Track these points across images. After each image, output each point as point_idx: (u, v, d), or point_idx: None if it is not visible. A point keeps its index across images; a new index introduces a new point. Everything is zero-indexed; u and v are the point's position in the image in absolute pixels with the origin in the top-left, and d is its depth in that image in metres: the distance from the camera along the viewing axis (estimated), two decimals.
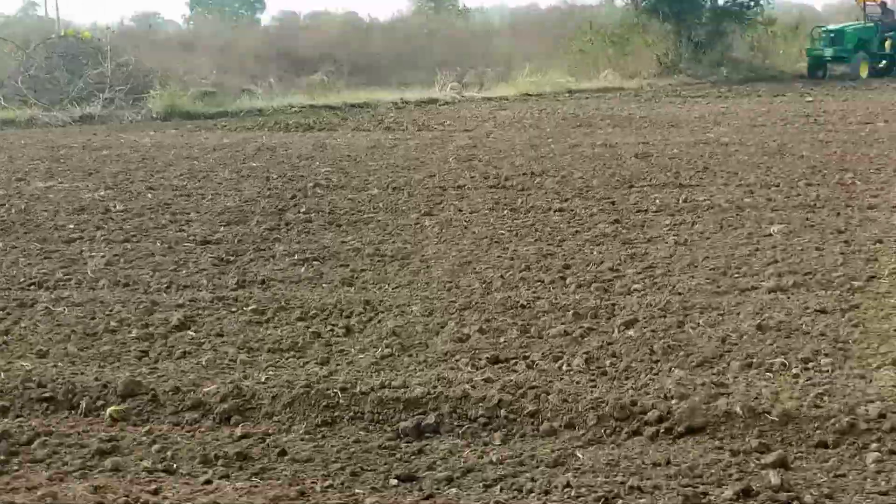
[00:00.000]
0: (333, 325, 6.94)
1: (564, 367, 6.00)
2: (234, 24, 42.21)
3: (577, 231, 9.90)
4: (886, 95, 24.22)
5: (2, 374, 5.84)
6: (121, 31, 31.08)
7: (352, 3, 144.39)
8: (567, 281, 7.99)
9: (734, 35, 31.71)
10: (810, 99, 23.99)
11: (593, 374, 5.87)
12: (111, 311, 7.27)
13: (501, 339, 6.55)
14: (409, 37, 33.74)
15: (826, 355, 6.00)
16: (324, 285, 8.01)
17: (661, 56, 30.42)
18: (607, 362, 6.06)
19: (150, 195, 12.10)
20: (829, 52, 29.32)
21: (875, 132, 16.97)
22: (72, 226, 10.38)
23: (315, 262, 8.71)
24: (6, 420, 5.36)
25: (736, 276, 8.00)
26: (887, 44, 29.32)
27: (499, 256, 8.85)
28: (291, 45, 32.34)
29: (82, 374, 5.88)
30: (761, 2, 31.74)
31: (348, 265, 8.62)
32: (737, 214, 10.44)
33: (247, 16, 72.26)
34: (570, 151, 15.57)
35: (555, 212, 10.91)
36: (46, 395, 5.59)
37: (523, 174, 13.35)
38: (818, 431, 4.93)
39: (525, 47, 33.27)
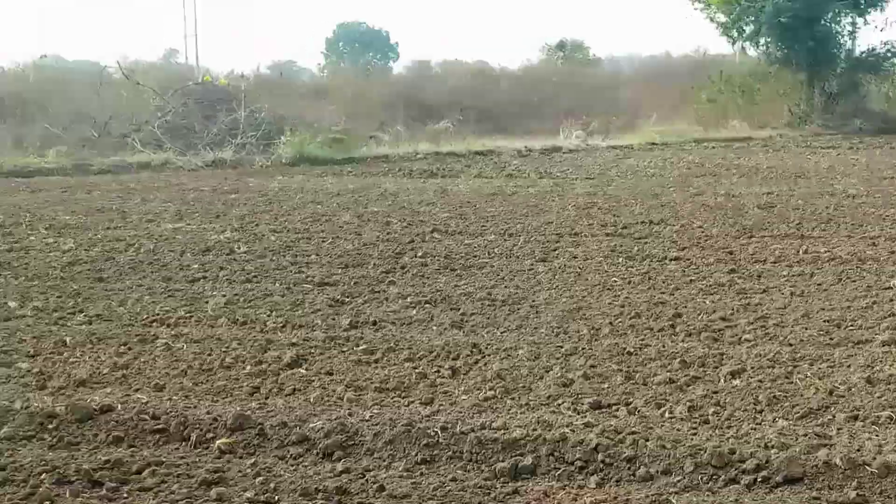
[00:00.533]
0: (440, 366, 7.05)
1: (667, 415, 6.00)
2: (367, 73, 42.97)
3: (691, 280, 9.85)
4: None
5: (119, 405, 6.09)
6: (256, 79, 31.94)
7: (483, 53, 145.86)
8: (677, 329, 7.98)
9: (869, 86, 31.08)
10: None
11: (695, 423, 5.85)
12: (227, 347, 7.52)
13: (605, 385, 6.57)
14: (537, 85, 33.93)
15: None
16: (434, 328, 8.14)
17: (793, 106, 29.99)
18: (710, 411, 6.04)
19: (273, 237, 12.45)
20: None
21: None
22: (196, 266, 10.74)
23: (427, 305, 8.86)
24: (120, 449, 5.61)
25: (850, 328, 7.88)
26: None
27: (609, 303, 8.86)
28: (420, 93, 32.87)
29: (195, 407, 6.11)
30: None
31: (459, 308, 8.74)
32: (857, 267, 10.26)
33: (380, 64, 73.68)
34: (692, 200, 15.48)
35: (671, 260, 10.87)
36: (159, 426, 5.82)
37: (641, 222, 13.33)
38: None
39: (653, 96, 33.15)
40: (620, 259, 10.97)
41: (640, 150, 25.72)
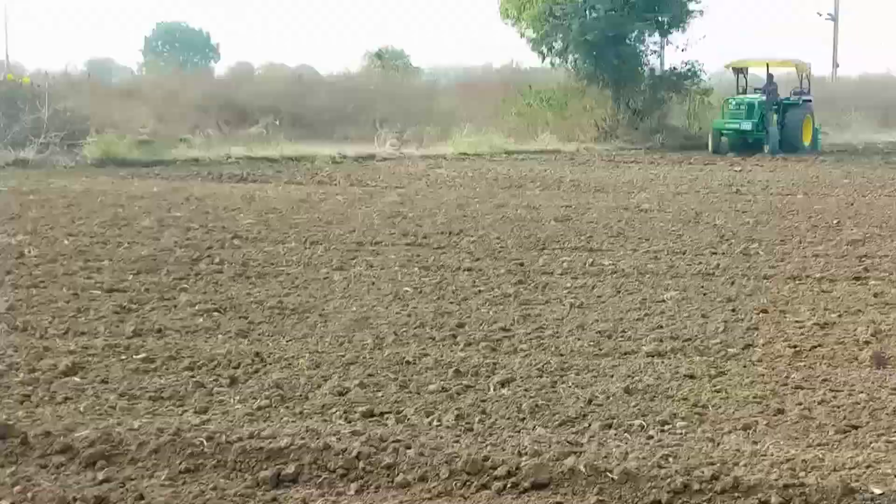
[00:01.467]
0: (219, 375, 7.11)
1: (434, 423, 6.21)
2: (184, 74, 42.26)
3: (479, 291, 10.14)
4: (814, 169, 24.81)
5: None
6: (66, 77, 31.11)
7: (308, 58, 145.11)
8: (457, 339, 8.23)
9: (671, 103, 32.39)
10: (738, 168, 24.55)
11: (460, 430, 6.08)
12: (2, 355, 7.39)
13: (379, 394, 6.76)
14: (355, 92, 34.07)
15: (683, 419, 6.27)
16: (219, 336, 8.18)
17: (600, 121, 31.02)
18: (476, 419, 6.28)
19: (66, 241, 12.22)
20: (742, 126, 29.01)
21: (792, 203, 17.47)
22: None
23: (215, 313, 8.89)
24: None
25: (620, 339, 8.28)
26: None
27: (398, 313, 9.07)
28: (237, 96, 32.54)
29: None
30: (698, 72, 32.50)
31: (247, 317, 8.80)
32: (637, 280, 10.76)
33: (200, 65, 72.60)
34: (494, 212, 15.89)
35: (464, 271, 11.17)
36: None
37: (442, 233, 13.63)
38: (653, 490, 5.18)
39: (470, 107, 33.72)
40: (416, 269, 11.20)
41: (453, 160, 26.19)
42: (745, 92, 29.50)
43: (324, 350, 7.82)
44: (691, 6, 31.42)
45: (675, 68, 32.59)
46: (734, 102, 29.08)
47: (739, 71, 30.33)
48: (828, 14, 54.26)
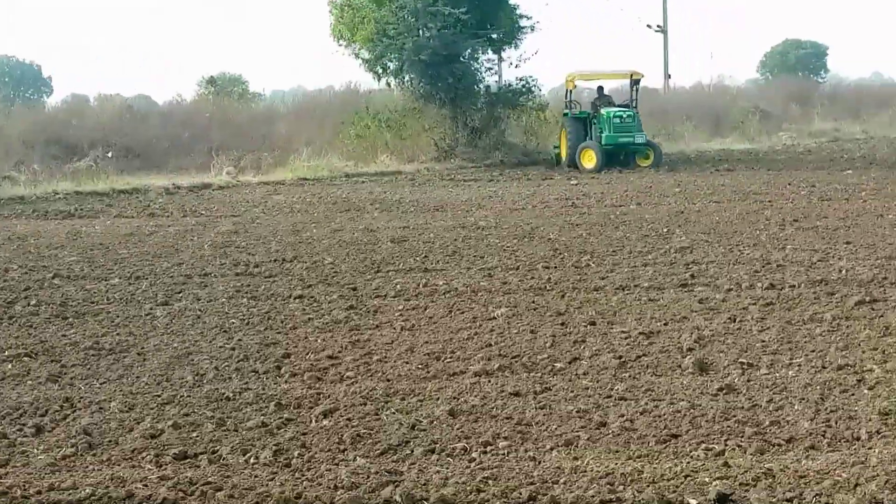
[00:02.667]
0: (23, 424, 6.71)
1: (251, 461, 5.97)
2: (10, 108, 40.73)
3: (309, 318, 9.92)
4: (647, 179, 25.27)
5: None
6: None
7: (145, 87, 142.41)
8: (282, 370, 8.00)
9: (508, 120, 32.61)
10: (574, 182, 24.84)
11: (277, 467, 5.86)
12: None
13: (194, 434, 6.47)
14: (189, 120, 33.37)
15: (505, 438, 6.18)
16: (28, 382, 7.76)
17: (439, 140, 31.03)
18: (295, 453, 6.07)
19: None
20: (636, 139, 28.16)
21: (625, 214, 17.73)
22: None
23: (25, 358, 8.45)
24: None
25: (448, 360, 8.18)
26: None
27: (221, 347, 8.78)
28: (66, 129, 31.43)
29: None
30: (533, 89, 32.82)
31: (60, 360, 8.39)
32: (469, 298, 10.69)
33: (34, 99, 70.31)
34: (330, 236, 15.66)
35: (294, 298, 10.92)
36: None
37: (275, 260, 13.34)
38: None
39: (309, 131, 33.40)
40: (244, 299, 10.90)
41: (292, 185, 25.80)
42: (571, 105, 29.25)
43: (139, 391, 7.48)
44: (523, 22, 31.75)
45: (510, 85, 32.86)
46: (615, 115, 27.78)
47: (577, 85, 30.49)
48: (657, 26, 55.69)
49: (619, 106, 28.63)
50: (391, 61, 30.81)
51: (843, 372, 7.45)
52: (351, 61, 31.52)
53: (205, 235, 16.06)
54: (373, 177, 27.83)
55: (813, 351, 8.06)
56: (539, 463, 5.75)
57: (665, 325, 9.18)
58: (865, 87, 63.29)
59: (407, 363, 8.11)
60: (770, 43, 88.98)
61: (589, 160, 27.49)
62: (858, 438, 6.02)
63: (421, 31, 30.03)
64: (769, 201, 18.87)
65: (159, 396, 7.30)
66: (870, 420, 6.30)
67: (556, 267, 12.42)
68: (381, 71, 31.32)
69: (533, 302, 10.37)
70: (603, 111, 28.15)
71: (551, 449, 5.99)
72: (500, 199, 21.20)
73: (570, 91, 29.68)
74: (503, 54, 33.01)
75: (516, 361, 8.03)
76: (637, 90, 29.20)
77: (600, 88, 29.99)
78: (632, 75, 29.15)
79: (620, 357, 8.02)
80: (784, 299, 10.08)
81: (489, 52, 32.19)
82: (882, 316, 9.16)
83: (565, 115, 29.29)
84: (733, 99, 47.83)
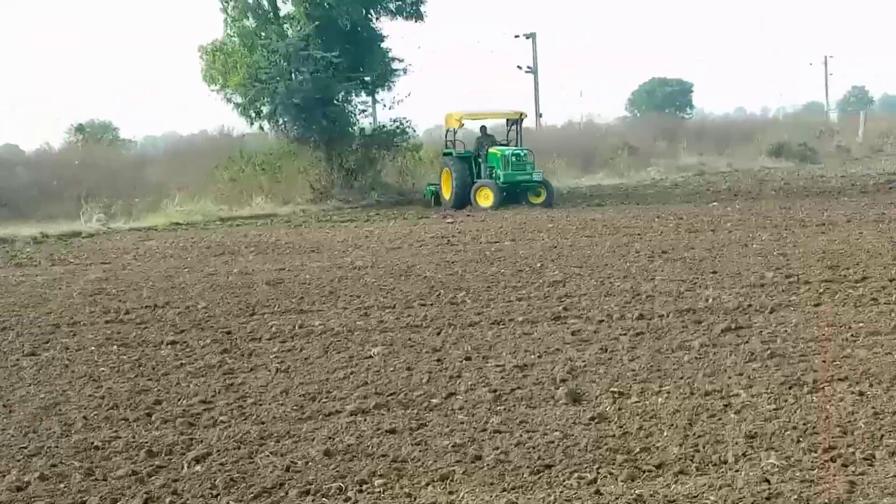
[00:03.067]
0: None
1: None
2: None
3: (181, 364, 9.76)
4: (522, 216, 25.57)
5: None
6: None
7: (13, 136, 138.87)
8: (153, 417, 7.84)
9: (384, 161, 32.76)
10: (450, 221, 25.02)
11: None
12: None
13: (62, 486, 6.30)
14: (57, 168, 32.65)
15: (381, 476, 6.16)
16: None
17: (314, 182, 30.98)
18: (167, 501, 5.95)
19: None
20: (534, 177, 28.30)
21: (500, 250, 17.92)
22: None
23: None
24: None
25: (324, 400, 8.13)
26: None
27: (90, 396, 8.57)
28: None
29: None
30: (407, 130, 33.04)
31: None
32: (345, 338, 10.66)
33: None
34: (204, 281, 15.45)
35: (166, 344, 10.73)
36: None
37: (146, 307, 13.10)
38: None
39: (182, 176, 32.96)
40: (114, 347, 10.67)
41: (164, 231, 25.44)
42: (453, 145, 29.50)
43: (4, 443, 7.26)
44: (395, 65, 31.95)
45: (384, 126, 33.03)
46: (513, 154, 27.94)
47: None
48: (528, 67, 56.67)
49: (502, 145, 29.01)
50: (264, 105, 30.65)
51: (711, 397, 7.63)
52: (224, 105, 31.15)
53: (74, 284, 15.69)
54: (248, 220, 27.64)
55: (681, 378, 8.24)
56: (415, 499, 5.75)
57: (539, 357, 9.28)
58: (729, 122, 65.42)
59: (282, 405, 8.03)
60: (637, 81, 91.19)
61: (486, 199, 27.67)
62: (725, 462, 6.16)
63: (294, 75, 30.00)
64: (639, 234, 19.31)
65: (25, 448, 7.10)
66: (736, 443, 6.46)
67: (431, 304, 12.47)
68: (254, 115, 31.14)
69: (409, 339, 10.39)
70: (497, 150, 28.41)
71: (427, 485, 5.99)
72: (376, 239, 21.23)
73: (454, 130, 29.69)
74: (377, 96, 33.22)
75: (392, 399, 8.02)
76: (520, 129, 29.69)
77: (483, 128, 29.96)
78: (521, 115, 29.74)
79: (495, 390, 8.08)
80: (653, 329, 10.30)
81: (363, 94, 32.34)
82: (747, 342, 9.41)
83: (447, 154, 29.31)
84: (603, 136, 48.91)
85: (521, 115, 29.82)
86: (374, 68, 31.34)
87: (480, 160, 28.56)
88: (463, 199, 28.03)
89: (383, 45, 31.87)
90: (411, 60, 32.21)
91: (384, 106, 33.41)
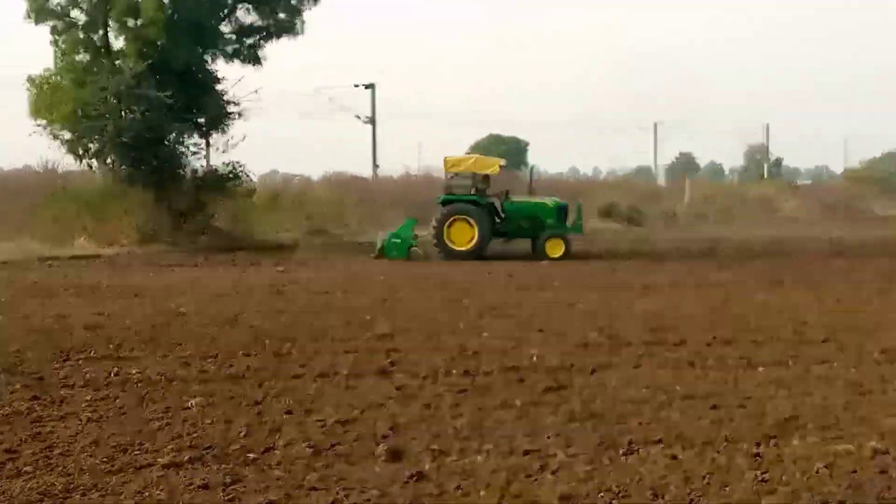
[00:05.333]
0: None
1: None
2: None
3: None
4: (355, 266, 25.50)
5: None
6: None
7: None
8: None
9: (216, 204, 32.26)
10: (281, 269, 24.76)
11: None
12: None
13: None
14: None
15: None
16: None
17: (142, 224, 30.26)
18: None
19: None
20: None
21: (331, 301, 17.77)
22: None
23: None
24: None
25: (136, 452, 7.83)
26: None
27: None
28: None
29: None
30: (241, 174, 32.67)
31: None
32: (163, 388, 10.33)
33: None
34: (18, 323, 14.83)
35: None
36: None
37: None
38: None
39: (2, 213, 31.75)
40: None
41: None
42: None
43: None
44: (230, 108, 31.63)
45: (216, 169, 32.60)
46: (560, 206, 28.22)
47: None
48: (366, 118, 56.97)
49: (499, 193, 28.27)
50: (92, 142, 29.86)
51: (529, 457, 7.66)
52: (50, 141, 30.15)
53: None
54: (69, 261, 26.76)
55: (502, 437, 8.26)
56: None
57: (362, 412, 9.18)
58: (561, 182, 66.89)
59: (91, 456, 7.70)
60: (475, 137, 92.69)
61: (556, 249, 27.22)
62: None
63: (124, 113, 29.34)
64: (469, 290, 19.46)
65: None
66: None
67: (256, 354, 12.24)
68: (81, 152, 30.29)
69: (230, 391, 10.14)
70: (548, 200, 28.34)
71: None
72: (203, 285, 20.82)
73: (475, 175, 28.10)
74: (210, 139, 32.75)
75: (208, 452, 7.79)
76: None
77: (487, 177, 28.44)
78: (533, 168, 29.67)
79: (314, 446, 7.93)
80: (478, 386, 10.33)
81: (195, 136, 31.86)
82: (567, 402, 9.52)
83: (459, 199, 27.38)
84: (441, 189, 49.28)
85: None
86: (209, 110, 30.97)
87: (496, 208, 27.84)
88: (483, 248, 27.28)
89: (219, 87, 31.54)
90: (247, 104, 31.89)
91: (217, 149, 33.00)
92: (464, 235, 27.05)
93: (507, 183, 31.10)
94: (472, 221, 27.01)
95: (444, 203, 27.30)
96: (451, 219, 27.15)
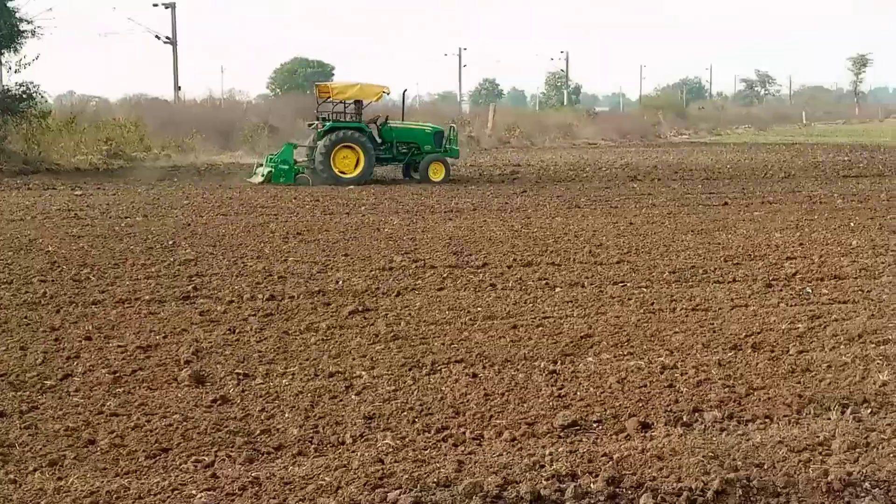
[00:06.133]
0: None
1: None
2: None
3: None
4: (158, 190, 24.88)
5: None
6: None
7: None
8: None
9: (8, 126, 30.81)
10: (79, 193, 23.95)
11: None
12: None
13: None
14: None
15: None
16: None
17: None
18: None
19: None
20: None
21: (131, 226, 17.35)
22: None
23: None
24: None
25: None
26: None
27: None
28: None
29: None
30: (35, 95, 31.24)
31: None
32: None
33: None
34: None
35: None
36: None
37: None
38: None
39: None
40: None
41: None
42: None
43: None
44: (23, 26, 30.13)
45: (9, 90, 31.07)
46: (450, 129, 29.42)
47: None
48: (166, 37, 55.24)
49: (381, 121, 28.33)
50: None
51: (334, 379, 7.75)
52: None
53: None
54: None
55: (307, 360, 8.31)
56: (20, 486, 5.45)
57: (164, 338, 9.07)
58: (369, 107, 66.55)
59: None
60: (280, 60, 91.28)
61: (437, 173, 27.63)
62: (343, 443, 6.27)
63: None
64: (275, 214, 19.33)
65: None
66: (355, 424, 6.59)
67: (53, 280, 11.89)
68: None
69: (25, 318, 9.84)
70: (426, 126, 29.21)
71: (34, 470, 5.69)
72: None
73: (363, 103, 28.15)
74: (2, 58, 31.17)
75: (3, 380, 7.58)
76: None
77: (360, 103, 28.16)
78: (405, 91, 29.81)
79: (115, 372, 7.81)
80: (283, 310, 10.33)
81: None
82: (373, 324, 9.64)
83: (344, 126, 27.24)
84: (244, 113, 48.50)
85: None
86: (0, 28, 29.42)
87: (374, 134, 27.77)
88: (370, 174, 27.14)
89: (10, 4, 29.96)
90: (41, 23, 30.37)
91: (10, 69, 31.45)
92: (349, 162, 27.01)
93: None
94: (357, 148, 27.00)
95: (331, 130, 26.98)
96: (338, 146, 26.95)
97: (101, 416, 6.74)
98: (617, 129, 62.68)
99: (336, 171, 26.74)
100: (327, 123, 27.23)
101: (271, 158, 27.59)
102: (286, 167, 27.07)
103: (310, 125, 28.44)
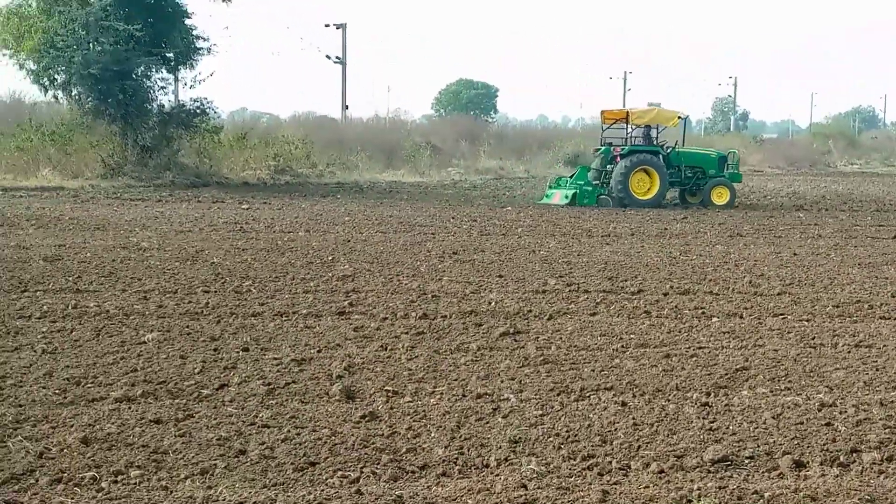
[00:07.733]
0: None
1: None
2: None
3: None
4: (319, 207, 25.47)
5: None
6: None
7: None
8: None
9: (182, 141, 31.99)
10: (246, 207, 24.68)
11: None
12: None
13: None
14: None
15: (139, 467, 5.97)
16: None
17: (106, 157, 30.00)
18: None
19: None
20: None
21: (293, 241, 17.75)
22: None
23: None
24: None
25: (89, 385, 7.84)
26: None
27: None
28: None
29: None
30: (208, 111, 32.35)
31: None
32: (120, 322, 10.33)
33: None
34: None
35: None
36: None
37: None
38: None
39: None
40: None
41: None
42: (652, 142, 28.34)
43: None
44: (199, 43, 31.29)
45: (183, 105, 32.27)
46: (731, 154, 30.17)
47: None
48: (336, 57, 56.47)
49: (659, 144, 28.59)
50: (59, 74, 29.52)
51: (482, 400, 7.73)
52: (16, 71, 29.79)
53: None
54: (32, 192, 26.60)
55: (456, 380, 8.32)
56: (171, 492, 5.59)
57: (318, 352, 9.21)
58: (530, 129, 66.88)
59: (43, 388, 7.70)
60: (445, 81, 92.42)
61: (721, 197, 27.95)
62: (488, 465, 6.24)
63: (91, 45, 28.98)
64: (432, 234, 19.49)
65: None
66: (500, 448, 6.55)
67: (215, 291, 12.24)
68: (47, 83, 29.93)
69: (187, 327, 10.15)
70: (710, 151, 29.81)
71: (186, 478, 5.83)
72: (166, 220, 20.76)
73: (656, 128, 28.78)
74: (178, 74, 32.43)
75: (161, 387, 7.81)
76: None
77: (648, 127, 28.71)
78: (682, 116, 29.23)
79: (269, 384, 7.96)
80: (435, 329, 10.38)
81: (163, 70, 31.54)
82: (523, 347, 9.59)
83: (640, 150, 27.64)
84: (408, 133, 49.18)
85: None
86: (177, 45, 30.62)
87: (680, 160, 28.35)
88: (663, 197, 27.74)
89: (188, 22, 31.16)
90: (217, 41, 31.58)
91: (185, 84, 32.70)
92: (643, 185, 27.38)
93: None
94: (652, 171, 27.33)
95: (629, 154, 27.46)
96: (635, 169, 27.27)
97: (252, 426, 6.88)
98: (785, 157, 61.21)
99: (632, 193, 27.19)
100: (625, 147, 27.73)
101: (566, 181, 28.40)
102: (590, 189, 27.68)
103: (595, 151, 29.12)
